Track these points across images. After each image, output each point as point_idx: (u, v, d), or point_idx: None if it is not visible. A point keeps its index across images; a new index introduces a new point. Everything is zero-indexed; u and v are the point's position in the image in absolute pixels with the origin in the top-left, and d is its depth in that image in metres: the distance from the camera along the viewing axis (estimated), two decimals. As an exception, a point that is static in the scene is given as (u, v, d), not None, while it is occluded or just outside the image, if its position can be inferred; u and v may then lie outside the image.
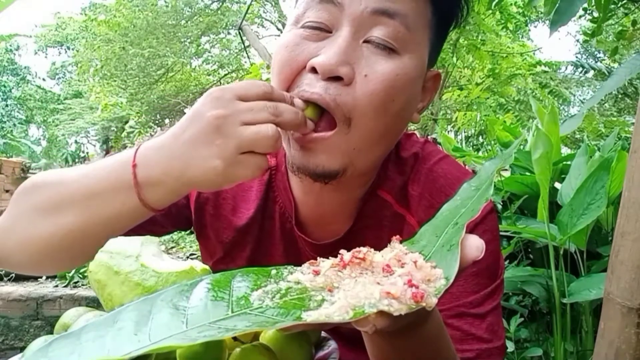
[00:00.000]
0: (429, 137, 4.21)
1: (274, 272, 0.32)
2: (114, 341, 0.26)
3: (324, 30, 0.53)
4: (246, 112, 0.47)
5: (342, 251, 0.33)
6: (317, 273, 0.31)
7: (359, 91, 0.51)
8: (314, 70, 0.51)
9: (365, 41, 0.52)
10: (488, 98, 4.71)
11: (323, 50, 0.51)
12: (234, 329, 0.26)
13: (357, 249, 0.33)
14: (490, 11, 3.59)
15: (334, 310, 0.27)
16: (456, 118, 4.47)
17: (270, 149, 0.47)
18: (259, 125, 0.46)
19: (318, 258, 0.34)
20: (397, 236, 0.36)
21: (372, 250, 0.33)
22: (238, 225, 0.66)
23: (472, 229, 0.62)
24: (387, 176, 0.65)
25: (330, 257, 0.33)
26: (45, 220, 0.51)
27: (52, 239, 0.51)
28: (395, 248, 0.34)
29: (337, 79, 0.51)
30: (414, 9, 0.53)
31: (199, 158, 0.46)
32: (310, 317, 0.27)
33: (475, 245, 0.32)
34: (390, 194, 0.65)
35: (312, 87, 0.51)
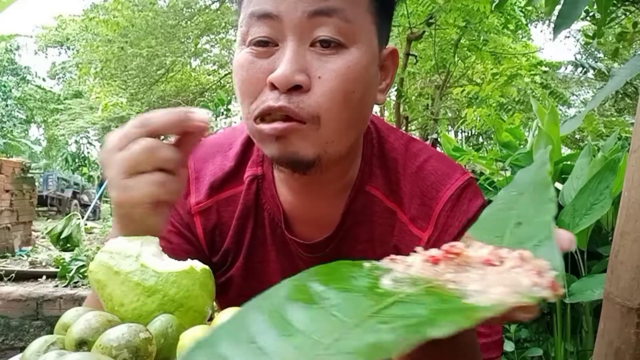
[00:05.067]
0: (429, 137, 4.21)
1: (367, 265, 0.30)
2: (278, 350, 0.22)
3: (271, 45, 0.54)
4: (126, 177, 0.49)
5: (429, 251, 0.31)
6: (409, 266, 0.29)
7: (318, 93, 0.52)
8: (273, 86, 0.53)
9: (312, 44, 0.53)
10: (502, 96, 4.70)
11: (277, 65, 0.53)
12: (434, 324, 0.22)
13: (452, 243, 0.31)
14: (492, 12, 3.59)
15: (501, 296, 0.24)
16: (465, 114, 4.45)
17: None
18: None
19: (399, 255, 0.32)
20: (457, 243, 0.33)
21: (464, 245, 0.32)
22: (233, 236, 0.68)
23: (464, 225, 0.62)
24: (372, 172, 0.66)
25: (416, 252, 0.31)
26: None
27: None
28: (474, 244, 0.32)
29: (296, 87, 0.52)
30: (348, 2, 0.53)
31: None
32: (490, 302, 0.24)
33: (567, 238, 0.32)
34: (378, 190, 0.65)
35: (277, 100, 0.53)
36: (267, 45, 0.54)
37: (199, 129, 0.50)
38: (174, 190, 0.50)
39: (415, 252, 0.32)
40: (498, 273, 0.27)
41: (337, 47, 0.53)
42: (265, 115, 0.54)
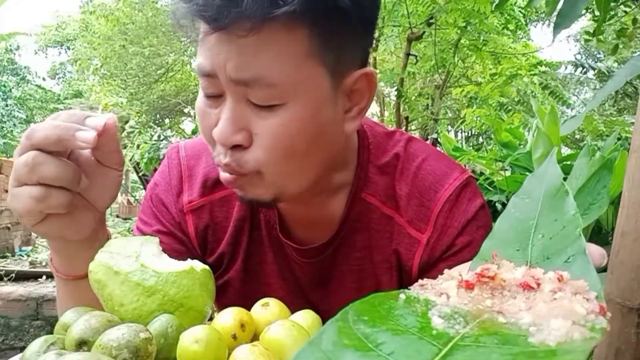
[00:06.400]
0: (429, 137, 4.21)
1: (402, 296, 0.28)
2: None
3: (217, 96, 0.53)
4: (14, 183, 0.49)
5: (456, 272, 0.30)
6: (446, 295, 0.28)
7: (257, 150, 0.52)
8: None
9: (248, 100, 0.51)
10: (502, 96, 4.70)
11: (220, 117, 0.52)
12: None
13: (485, 266, 0.29)
14: (492, 13, 3.59)
15: (565, 331, 0.23)
16: (464, 115, 4.45)
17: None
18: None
19: (425, 279, 0.31)
20: (489, 265, 0.32)
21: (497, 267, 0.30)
22: (229, 238, 0.68)
23: (464, 225, 0.62)
24: (369, 179, 0.65)
25: (441, 277, 0.30)
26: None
27: None
28: (504, 264, 0.31)
29: (237, 145, 0.52)
30: (275, 63, 0.49)
31: None
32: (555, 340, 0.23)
33: (599, 253, 0.31)
34: (374, 197, 0.65)
35: (224, 156, 0.53)
36: (215, 96, 0.53)
37: (83, 148, 0.49)
38: (56, 205, 0.48)
39: (443, 274, 0.30)
40: (544, 301, 0.26)
41: (271, 106, 0.50)
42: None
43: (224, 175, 0.55)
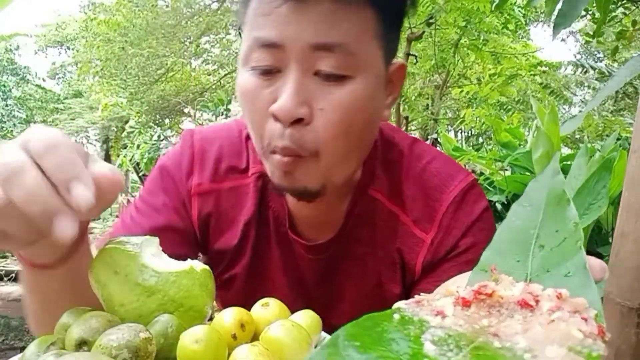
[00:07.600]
0: (429, 137, 4.21)
1: (397, 316, 0.27)
2: None
3: (274, 71, 0.52)
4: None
5: (454, 288, 0.30)
6: (442, 314, 0.27)
7: (319, 126, 0.52)
8: (276, 116, 0.52)
9: (316, 73, 0.51)
10: (502, 96, 4.70)
11: (279, 94, 0.51)
12: None
13: (483, 283, 0.29)
14: (492, 12, 3.60)
15: (560, 359, 0.23)
16: (464, 115, 4.46)
17: None
18: None
19: (422, 294, 0.30)
20: (488, 282, 0.32)
21: (495, 284, 0.30)
22: (237, 233, 0.68)
23: (468, 227, 0.63)
24: (375, 175, 0.66)
25: (438, 291, 0.30)
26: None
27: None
28: (503, 280, 0.30)
29: (298, 120, 0.51)
30: (354, 32, 0.51)
31: None
32: None
33: (600, 267, 0.31)
34: (380, 193, 0.66)
35: (281, 138, 0.52)
36: (270, 73, 0.52)
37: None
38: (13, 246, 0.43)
39: (440, 292, 0.30)
40: (540, 323, 0.26)
41: (341, 78, 0.51)
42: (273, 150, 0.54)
43: (279, 159, 0.53)
